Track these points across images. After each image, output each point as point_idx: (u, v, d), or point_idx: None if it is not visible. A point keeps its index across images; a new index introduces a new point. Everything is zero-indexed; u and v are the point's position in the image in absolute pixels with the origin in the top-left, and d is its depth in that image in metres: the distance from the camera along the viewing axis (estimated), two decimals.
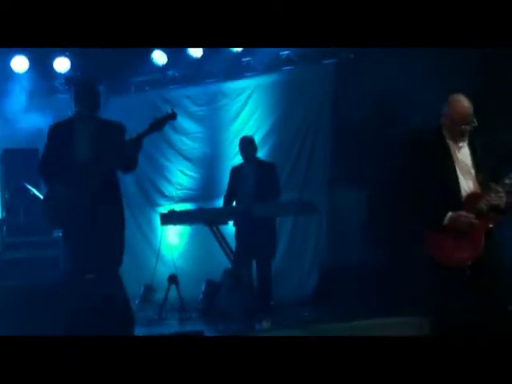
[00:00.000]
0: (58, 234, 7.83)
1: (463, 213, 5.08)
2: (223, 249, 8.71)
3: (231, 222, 9.02)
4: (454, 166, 5.17)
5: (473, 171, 5.19)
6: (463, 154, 5.22)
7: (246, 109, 10.91)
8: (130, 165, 6.05)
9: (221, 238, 8.73)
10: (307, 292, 10.02)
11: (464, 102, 5.16)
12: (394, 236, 8.74)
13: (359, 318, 7.47)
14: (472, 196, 5.14)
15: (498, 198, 5.04)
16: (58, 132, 6.09)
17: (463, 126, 5.15)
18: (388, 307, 7.84)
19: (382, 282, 8.92)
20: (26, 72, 10.53)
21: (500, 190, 5.04)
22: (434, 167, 5.17)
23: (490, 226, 5.13)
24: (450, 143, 5.22)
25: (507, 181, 5.05)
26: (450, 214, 5.10)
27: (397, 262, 8.82)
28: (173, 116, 5.99)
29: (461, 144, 5.22)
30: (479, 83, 7.88)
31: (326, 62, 10.22)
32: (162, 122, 5.96)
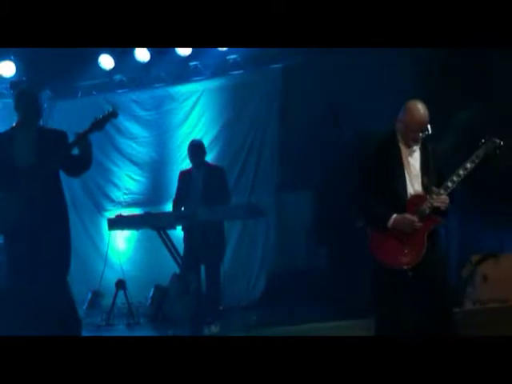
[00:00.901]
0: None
1: (408, 215, 5.10)
2: (171, 253, 8.67)
3: (179, 227, 8.99)
4: (404, 170, 5.19)
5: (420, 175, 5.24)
6: (414, 159, 5.24)
7: (194, 113, 10.89)
8: (82, 163, 6.03)
9: (169, 243, 8.69)
10: (256, 296, 10.03)
11: (421, 110, 5.14)
12: (341, 239, 8.79)
13: (307, 322, 7.50)
14: (415, 198, 5.17)
15: (440, 200, 5.10)
16: (0, 143, 6.04)
17: (417, 133, 5.17)
18: (335, 310, 7.88)
19: (329, 285, 8.96)
20: None
21: (442, 192, 5.11)
22: (383, 170, 5.19)
23: (432, 227, 5.18)
24: (402, 148, 5.23)
25: (450, 184, 5.12)
26: (394, 215, 5.13)
27: (344, 265, 8.86)
28: (113, 114, 5.99)
29: (414, 148, 5.24)
30: (429, 85, 7.97)
31: (274, 66, 10.26)
32: (104, 120, 5.94)
